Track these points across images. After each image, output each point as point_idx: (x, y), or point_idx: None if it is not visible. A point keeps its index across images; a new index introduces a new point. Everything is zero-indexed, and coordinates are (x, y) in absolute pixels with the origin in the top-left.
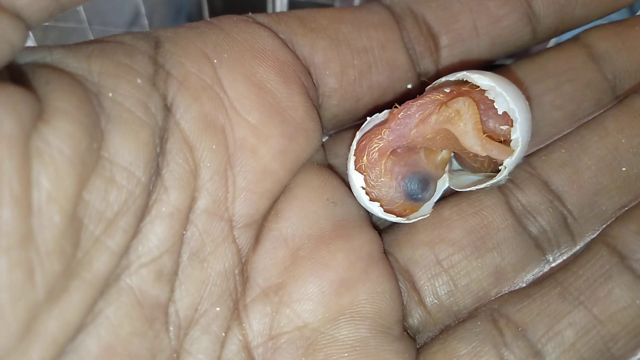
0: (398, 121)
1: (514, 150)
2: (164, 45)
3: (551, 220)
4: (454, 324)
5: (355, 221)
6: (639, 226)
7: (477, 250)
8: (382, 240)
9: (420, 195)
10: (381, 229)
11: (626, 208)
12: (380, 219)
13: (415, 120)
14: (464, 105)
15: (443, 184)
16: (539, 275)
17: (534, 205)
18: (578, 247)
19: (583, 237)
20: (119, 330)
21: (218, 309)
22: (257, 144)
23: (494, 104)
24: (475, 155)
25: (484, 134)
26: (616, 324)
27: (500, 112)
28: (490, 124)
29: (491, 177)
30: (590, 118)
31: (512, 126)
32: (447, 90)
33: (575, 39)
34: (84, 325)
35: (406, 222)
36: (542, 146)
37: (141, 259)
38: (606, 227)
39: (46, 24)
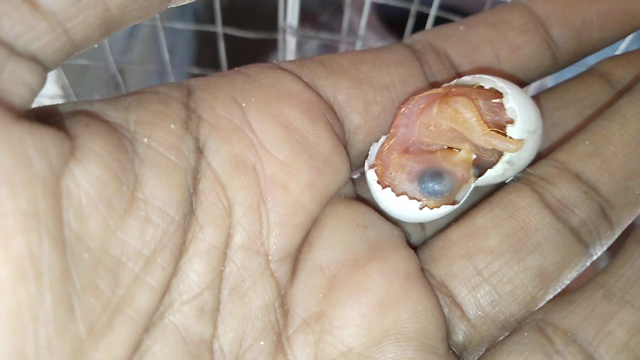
0: (402, 116)
1: (520, 141)
2: (196, 92)
3: (589, 211)
4: (502, 336)
5: (389, 241)
6: None
7: (517, 254)
8: (418, 258)
9: (435, 188)
10: (416, 247)
11: None
12: (413, 235)
13: (416, 112)
14: (462, 103)
15: (469, 186)
16: (582, 270)
17: (570, 198)
18: (616, 236)
19: (621, 224)
20: None
21: (262, 343)
22: (287, 179)
23: (499, 100)
24: (487, 149)
25: (488, 127)
26: None
27: (502, 106)
28: (492, 119)
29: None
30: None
31: (513, 121)
32: (445, 85)
33: (590, 70)
34: None
35: (430, 216)
36: (563, 143)
37: (183, 296)
38: (637, 226)
39: None
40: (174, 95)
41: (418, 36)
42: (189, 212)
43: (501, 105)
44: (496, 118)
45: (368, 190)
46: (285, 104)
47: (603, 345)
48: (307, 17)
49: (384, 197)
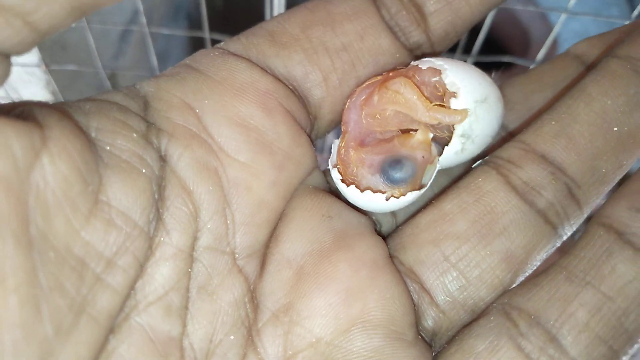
0: (347, 111)
1: (464, 110)
2: (151, 104)
3: (556, 192)
4: (471, 321)
5: (355, 230)
6: (629, 202)
7: (484, 238)
8: (387, 245)
9: (397, 176)
10: (386, 236)
11: (623, 166)
12: (384, 223)
13: (360, 103)
14: (400, 83)
15: (433, 167)
16: (552, 250)
17: (537, 180)
18: (585, 216)
19: (589, 203)
20: None
21: (232, 337)
22: (250, 180)
23: (437, 77)
24: (436, 127)
25: (430, 102)
26: (625, 299)
27: (442, 83)
28: (436, 98)
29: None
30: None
31: (456, 94)
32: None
33: (566, 53)
34: None
35: (398, 205)
36: (531, 123)
37: (148, 297)
38: (599, 209)
39: None
40: (131, 107)
41: None
42: (155, 217)
43: (441, 82)
44: (439, 95)
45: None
46: (240, 100)
47: (565, 327)
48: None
49: (350, 194)
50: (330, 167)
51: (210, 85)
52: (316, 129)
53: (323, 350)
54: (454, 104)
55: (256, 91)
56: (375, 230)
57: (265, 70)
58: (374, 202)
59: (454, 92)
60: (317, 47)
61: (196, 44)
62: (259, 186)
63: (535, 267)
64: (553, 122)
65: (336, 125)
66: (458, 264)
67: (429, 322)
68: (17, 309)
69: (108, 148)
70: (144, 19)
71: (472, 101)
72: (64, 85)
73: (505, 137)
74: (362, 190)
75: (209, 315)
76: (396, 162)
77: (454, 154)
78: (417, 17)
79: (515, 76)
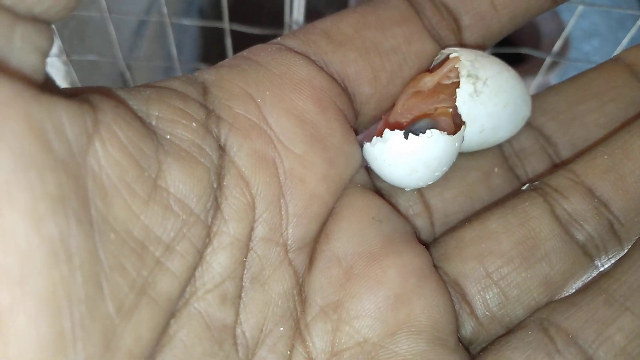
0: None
1: (457, 57)
2: (211, 90)
3: (598, 227)
4: (505, 333)
5: (402, 237)
6: None
7: (525, 261)
8: (430, 254)
9: (429, 124)
10: (428, 244)
11: None
12: (423, 232)
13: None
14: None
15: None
16: (587, 281)
17: (580, 213)
18: (625, 251)
19: (630, 240)
20: (192, 351)
21: (282, 328)
22: (304, 173)
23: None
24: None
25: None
26: None
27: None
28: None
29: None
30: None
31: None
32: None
33: (615, 59)
34: (162, 347)
35: (437, 156)
36: (583, 153)
37: (206, 285)
38: None
39: None
40: (190, 94)
41: None
42: (213, 206)
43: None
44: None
45: (380, 179)
46: (299, 95)
47: (602, 348)
48: (312, 13)
49: (392, 146)
50: (365, 145)
51: (270, 77)
52: (357, 124)
53: (369, 350)
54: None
55: (312, 87)
56: (418, 238)
57: (321, 68)
58: (417, 151)
59: (456, 56)
60: (369, 47)
61: (209, 37)
62: (312, 179)
63: (569, 294)
64: (605, 157)
65: (375, 122)
66: (500, 281)
67: (467, 331)
68: (82, 285)
69: (168, 137)
70: (165, 9)
71: (472, 54)
72: (83, 76)
73: (543, 144)
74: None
75: (260, 305)
76: (421, 121)
77: (468, 95)
78: (454, 28)
79: (556, 83)
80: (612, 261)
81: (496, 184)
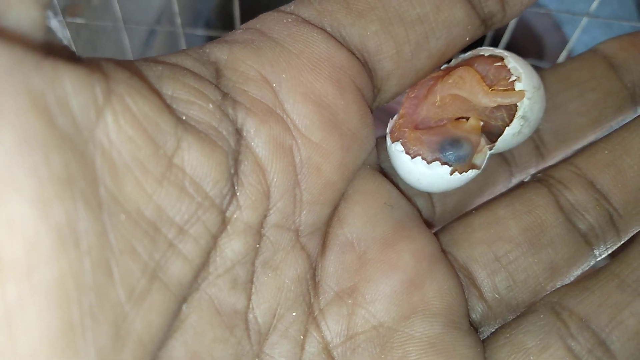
0: (409, 100)
1: (521, 91)
2: (224, 73)
3: (598, 217)
4: (513, 317)
5: (412, 222)
6: None
7: (532, 247)
8: (438, 239)
9: (459, 153)
10: (436, 231)
11: None
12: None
13: (423, 94)
14: (463, 71)
15: (485, 152)
16: (586, 268)
17: (582, 204)
18: (621, 243)
19: (627, 232)
20: (203, 337)
21: (294, 313)
22: (321, 161)
23: (500, 63)
24: (492, 112)
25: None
26: None
27: (505, 67)
28: (498, 82)
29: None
30: (629, 120)
31: (516, 80)
32: (444, 68)
33: (593, 50)
34: (172, 332)
35: (457, 182)
36: (585, 147)
37: (218, 270)
38: None
39: (79, 21)
40: (205, 75)
41: None
42: (230, 192)
43: (504, 66)
44: (502, 80)
45: (385, 159)
46: (317, 76)
47: (615, 332)
48: None
49: (415, 167)
50: (389, 141)
51: (287, 57)
52: (377, 101)
53: (385, 333)
54: (518, 86)
55: (332, 67)
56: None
57: (340, 43)
58: (437, 174)
59: (518, 77)
60: (393, 18)
61: None
62: (328, 168)
63: (571, 280)
64: (606, 151)
65: (398, 97)
66: (508, 265)
67: (477, 315)
68: (90, 272)
69: (184, 118)
70: (178, 20)
71: (531, 86)
72: None
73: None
74: (428, 162)
75: (272, 290)
76: (455, 141)
77: (512, 135)
78: None
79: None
80: (609, 251)
81: (487, 164)
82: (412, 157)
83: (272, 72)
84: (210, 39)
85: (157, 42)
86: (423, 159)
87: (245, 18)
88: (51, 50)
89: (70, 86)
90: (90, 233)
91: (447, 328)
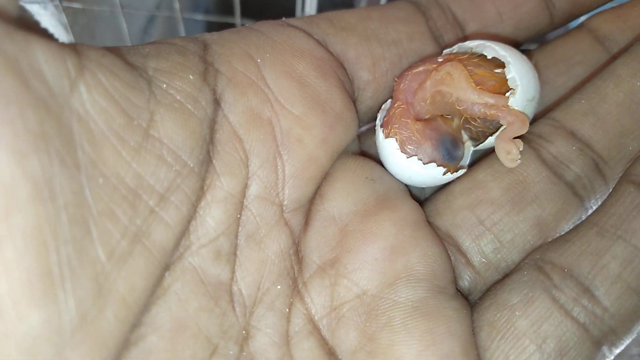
0: (401, 90)
1: (508, 97)
2: (212, 46)
3: (584, 166)
4: (500, 279)
5: (396, 193)
6: None
7: (516, 205)
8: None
9: (455, 154)
10: (420, 202)
11: None
12: (419, 190)
13: (413, 88)
14: (452, 67)
15: (469, 148)
16: (578, 222)
17: (565, 155)
18: (610, 190)
19: (614, 178)
20: (187, 305)
21: (279, 287)
22: (303, 134)
23: (501, 70)
24: (477, 118)
25: (478, 87)
26: None
27: (504, 75)
28: (494, 88)
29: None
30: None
31: (514, 91)
32: (440, 59)
33: (580, 26)
34: (155, 299)
35: (447, 179)
36: (561, 101)
37: (200, 239)
38: (628, 167)
39: (76, 6)
40: (190, 49)
41: None
42: (205, 159)
43: (503, 74)
44: (496, 85)
45: (370, 146)
46: (299, 60)
47: (598, 278)
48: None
49: (409, 166)
50: (381, 134)
51: (271, 44)
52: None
53: (369, 301)
54: (511, 100)
55: (313, 56)
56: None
57: (322, 44)
58: (431, 175)
59: (513, 90)
60: (371, 36)
61: None
62: (310, 141)
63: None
64: (583, 101)
65: (371, 117)
66: (493, 227)
67: (465, 282)
68: (67, 225)
69: (164, 86)
70: (177, 5)
71: (525, 99)
72: None
73: None
74: (425, 163)
75: (256, 264)
76: (454, 141)
77: (493, 141)
78: (458, 33)
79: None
80: (600, 201)
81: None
82: (408, 157)
83: (257, 51)
84: (210, 24)
85: (156, 28)
86: (419, 159)
87: (244, 3)
88: (23, 24)
89: (42, 56)
90: (67, 190)
91: (431, 292)
